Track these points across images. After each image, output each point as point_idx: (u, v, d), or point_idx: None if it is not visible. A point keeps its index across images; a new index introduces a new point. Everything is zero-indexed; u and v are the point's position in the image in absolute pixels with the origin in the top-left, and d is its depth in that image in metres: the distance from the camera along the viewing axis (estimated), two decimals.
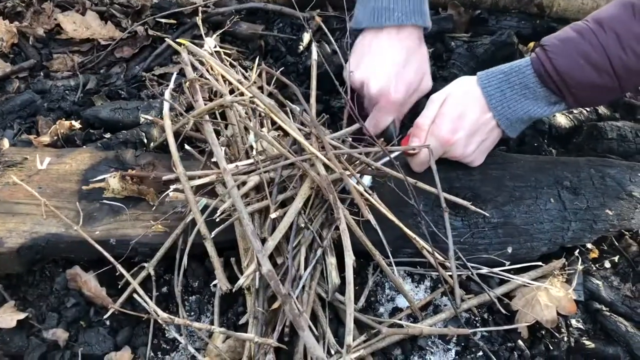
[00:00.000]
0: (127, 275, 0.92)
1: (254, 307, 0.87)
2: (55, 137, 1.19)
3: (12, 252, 0.96)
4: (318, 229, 0.94)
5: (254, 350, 0.86)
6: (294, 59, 1.46)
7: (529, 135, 1.26)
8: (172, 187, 0.96)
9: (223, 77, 1.03)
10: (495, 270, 0.99)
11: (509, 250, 1.02)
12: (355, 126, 1.10)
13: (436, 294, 1.00)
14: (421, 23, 1.11)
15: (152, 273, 0.96)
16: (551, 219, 1.06)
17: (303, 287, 0.89)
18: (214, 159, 1.01)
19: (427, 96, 1.10)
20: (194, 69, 1.09)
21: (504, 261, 1.01)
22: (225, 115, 1.14)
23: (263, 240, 0.88)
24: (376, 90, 1.09)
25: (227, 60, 1.24)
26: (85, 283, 0.99)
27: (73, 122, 1.23)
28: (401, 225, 0.95)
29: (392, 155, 0.99)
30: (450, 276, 0.95)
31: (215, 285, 0.95)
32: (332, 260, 0.92)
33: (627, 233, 1.10)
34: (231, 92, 1.05)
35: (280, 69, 1.32)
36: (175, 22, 1.56)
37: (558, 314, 0.97)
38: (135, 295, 0.91)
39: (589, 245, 1.08)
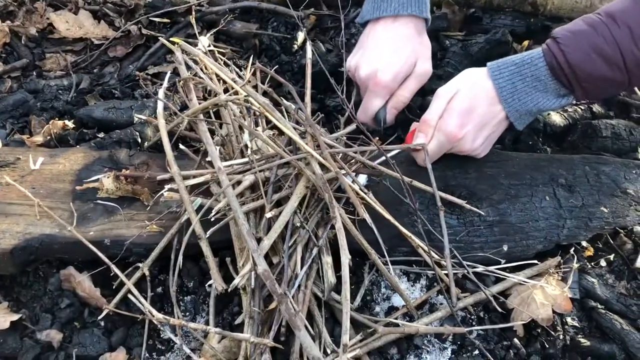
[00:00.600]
0: (122, 276, 0.91)
1: (250, 307, 0.87)
2: (49, 137, 1.18)
3: (6, 253, 0.95)
4: (314, 228, 0.94)
5: (250, 350, 0.85)
6: (289, 58, 1.46)
7: (524, 133, 1.26)
8: (166, 186, 0.96)
9: (217, 76, 1.02)
10: (491, 268, 0.99)
11: (505, 248, 1.02)
12: (352, 126, 1.10)
13: (432, 293, 1.00)
14: (417, 13, 1.12)
15: (147, 273, 0.95)
16: (546, 216, 1.06)
17: (299, 286, 0.89)
18: (208, 159, 1.00)
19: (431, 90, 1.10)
20: (188, 68, 1.09)
21: (500, 259, 1.00)
22: (220, 115, 1.13)
23: (259, 240, 0.88)
24: (364, 75, 1.11)
25: (221, 59, 1.23)
26: (79, 284, 0.98)
27: (66, 121, 1.22)
28: (397, 223, 0.95)
29: (390, 155, 0.98)
30: (446, 275, 0.95)
31: (210, 285, 0.95)
32: (328, 260, 0.92)
33: (622, 231, 1.11)
34: (225, 91, 1.05)
35: (274, 68, 1.32)
36: (169, 21, 1.56)
37: (554, 312, 0.97)
38: (129, 296, 0.91)
39: (584, 243, 1.09)
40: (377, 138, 1.09)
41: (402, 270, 1.03)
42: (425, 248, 0.94)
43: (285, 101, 1.10)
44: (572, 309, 0.99)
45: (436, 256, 0.96)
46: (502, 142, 1.25)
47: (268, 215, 0.88)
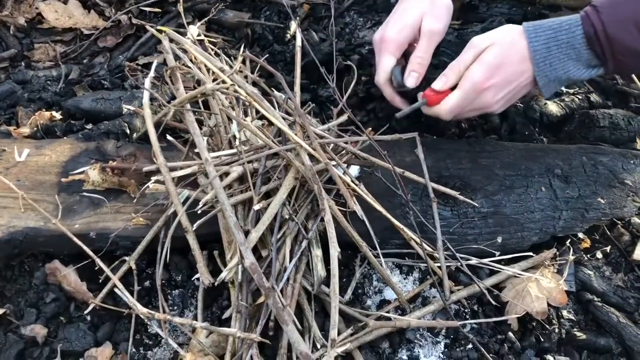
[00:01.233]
0: (107, 270, 0.89)
1: (238, 301, 0.85)
2: (35, 129, 1.16)
3: None
4: (303, 220, 0.92)
5: (237, 345, 0.84)
6: (281, 48, 1.43)
7: (519, 123, 1.24)
8: (153, 178, 0.93)
9: (206, 65, 1.00)
10: (485, 261, 0.97)
11: (499, 240, 1.00)
12: (344, 117, 1.08)
13: (424, 286, 0.98)
14: None
15: (134, 267, 0.93)
16: (542, 207, 1.05)
17: (288, 280, 0.87)
18: (197, 150, 0.98)
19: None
20: (177, 57, 1.06)
21: (494, 251, 0.99)
22: (209, 105, 1.11)
23: (247, 233, 0.86)
24: (376, 39, 1.12)
25: (212, 49, 1.21)
26: (65, 277, 0.96)
27: (53, 112, 1.20)
28: (389, 215, 0.93)
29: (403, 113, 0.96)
30: (439, 267, 0.93)
31: (198, 279, 0.93)
32: (317, 252, 0.90)
33: (619, 222, 1.09)
34: (215, 81, 1.03)
35: (265, 57, 1.30)
36: (159, 10, 1.53)
37: (549, 305, 0.95)
38: (115, 290, 0.89)
39: (581, 235, 1.07)
40: (370, 129, 1.07)
41: (394, 263, 1.01)
42: (418, 240, 0.92)
43: (276, 92, 1.08)
44: (567, 302, 0.97)
45: (429, 248, 0.95)
46: (498, 132, 1.23)
47: (256, 207, 0.86)
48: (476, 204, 1.02)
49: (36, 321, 0.94)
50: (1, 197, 0.99)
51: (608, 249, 1.07)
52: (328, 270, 0.87)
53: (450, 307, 0.95)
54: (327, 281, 0.87)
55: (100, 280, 0.95)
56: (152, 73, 1.04)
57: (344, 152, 0.98)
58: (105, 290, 0.93)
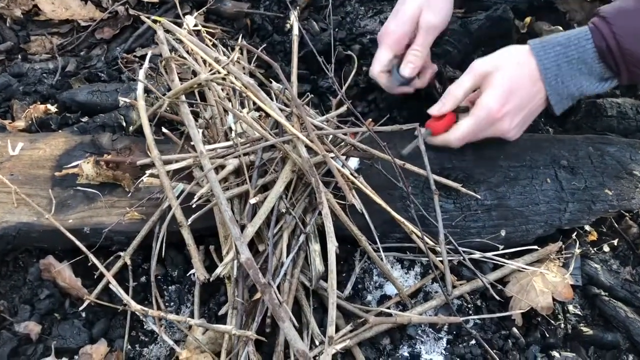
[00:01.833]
0: (100, 266, 0.88)
1: (234, 297, 0.83)
2: (30, 122, 1.14)
3: None
4: (301, 214, 0.89)
5: (233, 342, 0.82)
6: (281, 38, 1.41)
7: None
8: (147, 172, 0.91)
9: (201, 56, 0.97)
10: (489, 254, 0.95)
11: (503, 233, 0.98)
12: (344, 108, 1.05)
13: (426, 281, 0.96)
14: None
15: (129, 262, 0.92)
16: (547, 200, 1.02)
17: (285, 275, 0.84)
18: (192, 143, 0.96)
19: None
20: (172, 48, 1.04)
21: (498, 245, 0.96)
22: (205, 97, 1.08)
23: (243, 227, 0.84)
24: (378, 35, 1.11)
25: (210, 40, 1.18)
26: (59, 273, 0.95)
27: (49, 105, 1.18)
28: (389, 208, 0.90)
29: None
30: (441, 261, 0.91)
31: (194, 274, 0.91)
32: (315, 247, 0.88)
33: (627, 214, 1.06)
34: (211, 71, 1.00)
35: (263, 47, 1.27)
36: (157, 1, 1.50)
37: (554, 300, 0.93)
38: (110, 286, 0.87)
39: (587, 227, 1.04)
40: (370, 120, 1.04)
41: (395, 257, 0.99)
42: (419, 234, 0.90)
43: (274, 82, 1.05)
44: (573, 297, 0.95)
45: (430, 242, 0.92)
46: None
47: (252, 201, 0.84)
48: (479, 197, 0.99)
49: (30, 318, 0.92)
50: None
51: (615, 241, 1.04)
52: (327, 265, 0.85)
53: (453, 303, 0.92)
54: (325, 276, 0.85)
55: (96, 276, 0.93)
56: (146, 64, 1.01)
57: (342, 143, 0.95)
58: (100, 287, 0.91)
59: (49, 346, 0.89)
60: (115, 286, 0.85)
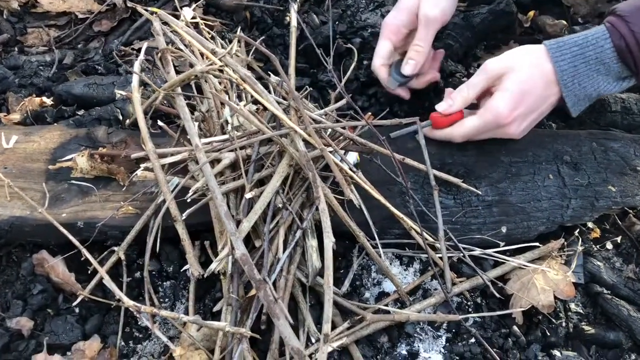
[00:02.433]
0: (94, 262, 0.86)
1: (228, 293, 0.82)
2: (25, 115, 1.12)
3: None
4: (298, 209, 0.88)
5: (228, 339, 0.80)
6: (281, 31, 1.39)
7: None
8: (141, 165, 0.90)
9: (199, 48, 0.96)
10: (489, 251, 0.93)
11: (504, 230, 0.96)
12: (343, 101, 1.03)
13: (425, 277, 0.94)
14: None
15: (123, 257, 0.90)
16: (550, 196, 1.00)
17: (281, 271, 0.83)
18: (188, 136, 0.94)
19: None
20: (170, 40, 1.02)
21: (499, 242, 0.95)
22: (202, 90, 1.07)
23: (238, 222, 0.82)
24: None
25: (208, 32, 1.17)
26: (52, 268, 0.93)
27: (44, 98, 1.16)
28: (387, 204, 0.89)
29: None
30: (441, 258, 0.89)
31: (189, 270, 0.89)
32: (312, 243, 0.86)
33: (630, 211, 1.04)
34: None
35: (261, 39, 1.25)
36: None
37: (556, 297, 0.91)
38: (103, 281, 0.85)
39: (590, 224, 1.03)
40: (370, 114, 1.03)
41: (394, 254, 0.97)
42: (418, 229, 0.88)
43: (273, 76, 1.03)
44: (575, 295, 0.93)
45: (430, 238, 0.91)
46: None
47: (248, 195, 0.83)
48: (480, 192, 0.97)
49: (22, 313, 0.91)
50: None
51: (619, 239, 1.02)
52: (325, 261, 0.83)
53: (452, 300, 0.91)
54: (322, 272, 0.83)
55: (90, 271, 0.91)
56: (141, 56, 1.00)
57: (341, 137, 0.94)
58: (93, 282, 0.90)
59: (41, 342, 0.88)
60: (108, 282, 0.83)
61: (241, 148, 0.88)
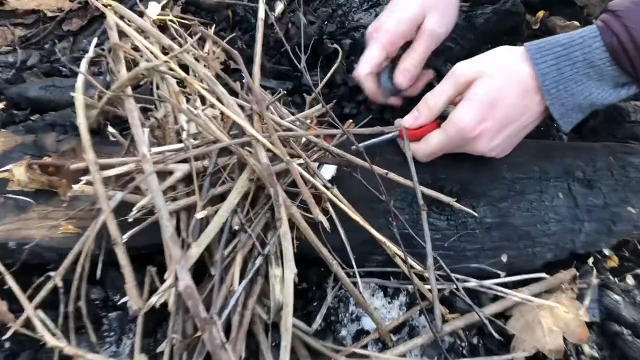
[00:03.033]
0: (18, 292, 0.73)
1: (172, 331, 0.69)
2: None
3: None
4: (260, 232, 0.75)
5: None
6: (265, 31, 1.27)
7: None
8: (83, 178, 0.78)
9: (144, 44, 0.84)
10: (487, 283, 0.81)
11: (505, 258, 0.84)
12: (318, 107, 0.91)
13: (412, 313, 0.81)
14: None
15: (60, 284, 0.77)
16: (559, 218, 0.89)
17: (236, 306, 0.70)
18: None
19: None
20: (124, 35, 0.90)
21: (499, 272, 0.83)
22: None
23: (189, 246, 0.70)
24: (370, 29, 0.99)
25: (176, 31, 1.05)
26: None
27: None
28: (367, 225, 0.76)
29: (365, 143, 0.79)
30: (430, 290, 0.76)
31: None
32: (276, 272, 0.73)
33: None
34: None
35: (230, 37, 1.15)
36: None
37: (565, 340, 0.77)
38: (29, 315, 0.73)
39: (607, 252, 0.92)
40: (350, 121, 0.90)
41: (377, 284, 0.84)
42: (403, 256, 0.75)
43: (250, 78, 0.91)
44: (588, 337, 0.79)
45: (417, 267, 0.78)
46: None
47: (199, 215, 0.70)
48: (476, 214, 0.85)
49: None
50: None
51: None
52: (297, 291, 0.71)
53: (443, 340, 0.78)
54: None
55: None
56: (90, 53, 0.88)
57: (315, 148, 0.81)
58: (25, 314, 0.77)
59: None
60: (33, 315, 0.71)
61: (196, 159, 0.75)
